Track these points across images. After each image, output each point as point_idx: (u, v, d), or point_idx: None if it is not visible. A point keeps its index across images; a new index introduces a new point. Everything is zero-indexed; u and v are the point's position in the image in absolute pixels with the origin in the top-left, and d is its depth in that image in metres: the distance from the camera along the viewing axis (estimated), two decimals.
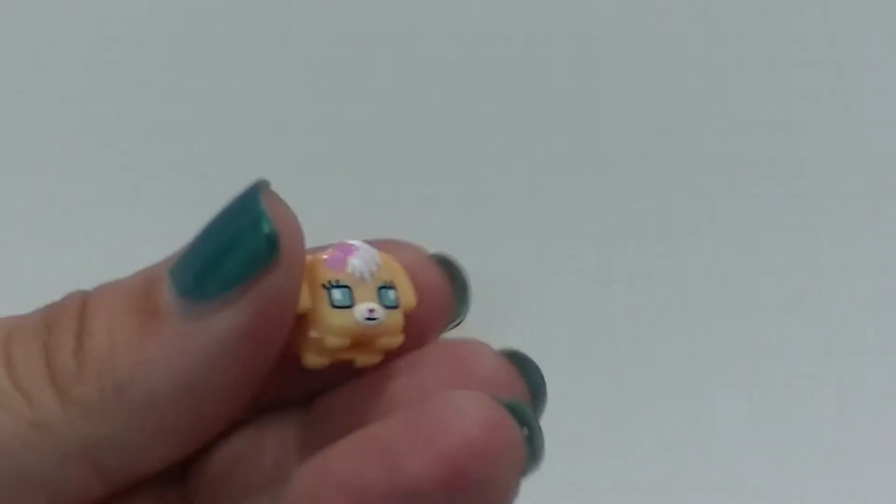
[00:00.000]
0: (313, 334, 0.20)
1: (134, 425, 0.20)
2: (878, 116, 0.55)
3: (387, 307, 0.20)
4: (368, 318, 0.20)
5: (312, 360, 0.20)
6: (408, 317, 0.21)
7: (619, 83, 0.56)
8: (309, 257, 0.21)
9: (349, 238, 0.22)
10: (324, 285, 0.20)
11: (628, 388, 0.48)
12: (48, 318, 0.20)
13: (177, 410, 0.20)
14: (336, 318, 0.20)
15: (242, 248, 0.19)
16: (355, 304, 0.20)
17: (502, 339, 0.49)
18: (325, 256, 0.21)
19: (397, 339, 0.21)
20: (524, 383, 0.22)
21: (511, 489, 0.19)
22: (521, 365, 0.22)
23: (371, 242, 0.22)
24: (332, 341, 0.20)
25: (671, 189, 0.53)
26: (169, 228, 0.47)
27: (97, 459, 0.20)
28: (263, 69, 0.56)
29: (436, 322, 0.23)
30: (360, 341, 0.21)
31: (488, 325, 0.49)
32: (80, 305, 0.20)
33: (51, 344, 0.20)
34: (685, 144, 0.54)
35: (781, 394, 0.48)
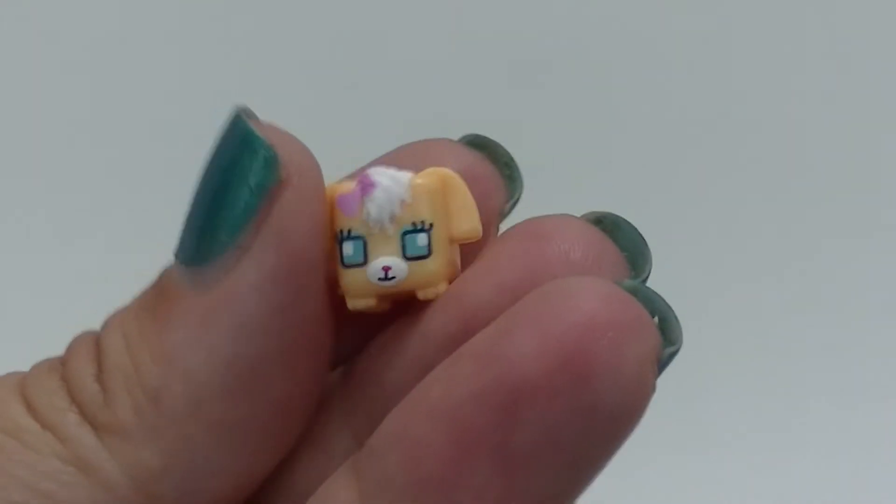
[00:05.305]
0: (340, 291, 0.17)
1: (186, 438, 0.16)
2: (880, 116, 0.55)
3: (413, 258, 0.17)
4: (383, 279, 0.16)
5: (354, 302, 0.17)
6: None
7: (618, 84, 0.56)
8: (330, 189, 0.17)
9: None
10: (336, 236, 0.17)
11: None
12: (63, 356, 0.18)
13: (229, 401, 0.16)
14: (348, 280, 0.17)
15: (240, 179, 0.16)
16: (369, 261, 0.16)
17: None
18: (339, 194, 0.17)
19: (436, 290, 0.17)
20: (624, 260, 0.17)
21: (646, 382, 0.15)
22: (617, 234, 0.18)
23: (399, 153, 0.18)
24: (355, 304, 0.17)
25: (671, 189, 0.53)
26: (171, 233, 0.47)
27: (154, 492, 0.16)
28: (264, 69, 0.56)
29: (486, 214, 0.18)
30: (395, 295, 0.17)
31: None
32: (94, 335, 0.17)
33: (69, 375, 0.17)
34: (685, 145, 0.54)
35: (781, 394, 0.48)
